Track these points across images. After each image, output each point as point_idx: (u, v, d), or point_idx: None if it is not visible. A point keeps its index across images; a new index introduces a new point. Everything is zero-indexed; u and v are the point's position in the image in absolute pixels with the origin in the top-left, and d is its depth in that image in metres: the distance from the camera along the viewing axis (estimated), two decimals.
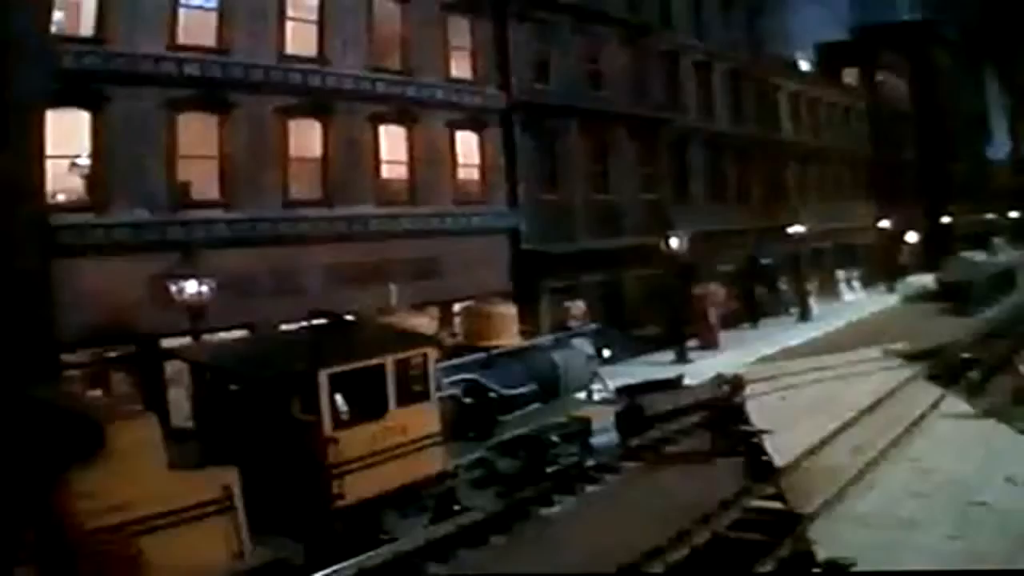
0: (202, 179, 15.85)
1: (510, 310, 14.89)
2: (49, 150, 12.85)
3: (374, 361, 10.21)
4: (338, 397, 9.74)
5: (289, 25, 17.15)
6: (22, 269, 11.81)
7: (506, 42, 21.71)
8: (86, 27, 14.41)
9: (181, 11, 15.43)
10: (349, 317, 11.26)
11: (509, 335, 14.15)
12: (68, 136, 13.94)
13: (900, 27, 51.78)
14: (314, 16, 17.63)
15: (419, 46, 19.63)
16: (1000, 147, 64.19)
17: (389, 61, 19.23)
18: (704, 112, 30.65)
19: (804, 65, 41.97)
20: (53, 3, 13.12)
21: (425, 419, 10.54)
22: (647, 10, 27.20)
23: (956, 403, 16.10)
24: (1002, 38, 59.97)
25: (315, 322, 11.53)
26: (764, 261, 32.00)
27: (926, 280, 35.13)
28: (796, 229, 32.18)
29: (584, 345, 14.44)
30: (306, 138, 17.42)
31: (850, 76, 46.24)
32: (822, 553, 9.02)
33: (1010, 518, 10.29)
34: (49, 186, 13.14)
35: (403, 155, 19.30)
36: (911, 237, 42.42)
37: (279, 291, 16.11)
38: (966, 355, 20.98)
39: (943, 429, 14.40)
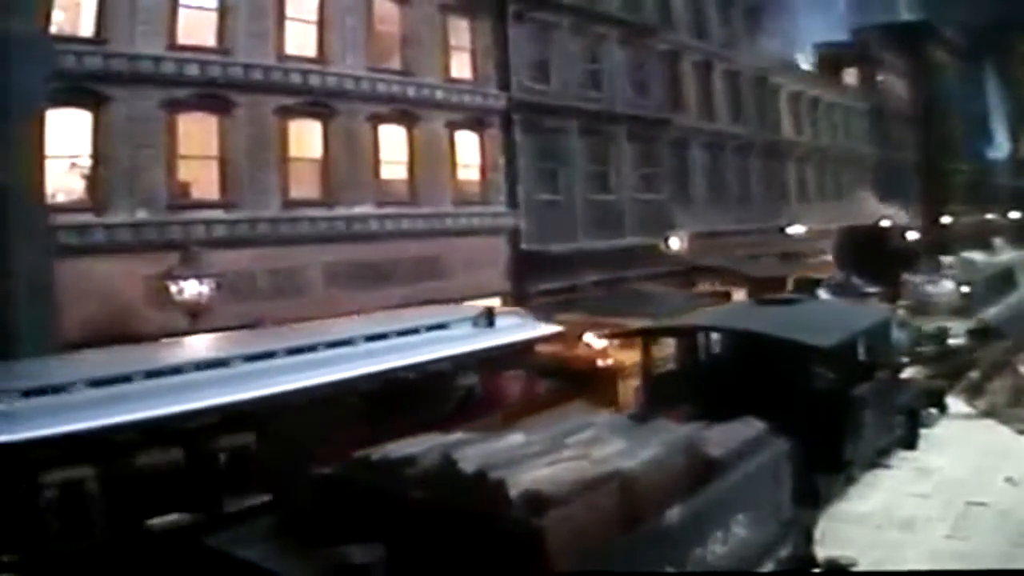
0: (202, 179, 15.86)
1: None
2: (49, 150, 12.84)
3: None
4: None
5: (289, 25, 17.15)
6: (22, 269, 11.80)
7: (506, 42, 21.70)
8: (86, 27, 14.40)
9: (181, 11, 15.41)
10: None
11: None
12: (68, 136, 13.94)
13: (900, 27, 51.77)
14: (314, 16, 17.63)
15: (419, 46, 19.63)
16: (1000, 147, 64.18)
17: (389, 61, 19.23)
18: (704, 112, 30.67)
19: (804, 65, 41.97)
20: (53, 3, 13.12)
21: None
22: (647, 10, 27.23)
23: (956, 403, 16.10)
24: (1002, 38, 59.99)
25: None
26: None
27: None
28: (796, 229, 32.20)
29: None
30: (306, 138, 17.42)
31: (850, 76, 46.27)
32: (822, 553, 9.01)
33: (1010, 518, 10.30)
34: (49, 186, 13.13)
35: (403, 155, 19.29)
36: (911, 237, 42.43)
37: (279, 291, 16.14)
38: (966, 355, 20.95)
39: (943, 429, 14.39)
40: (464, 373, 11.14)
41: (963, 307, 22.75)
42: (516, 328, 12.40)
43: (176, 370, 8.61)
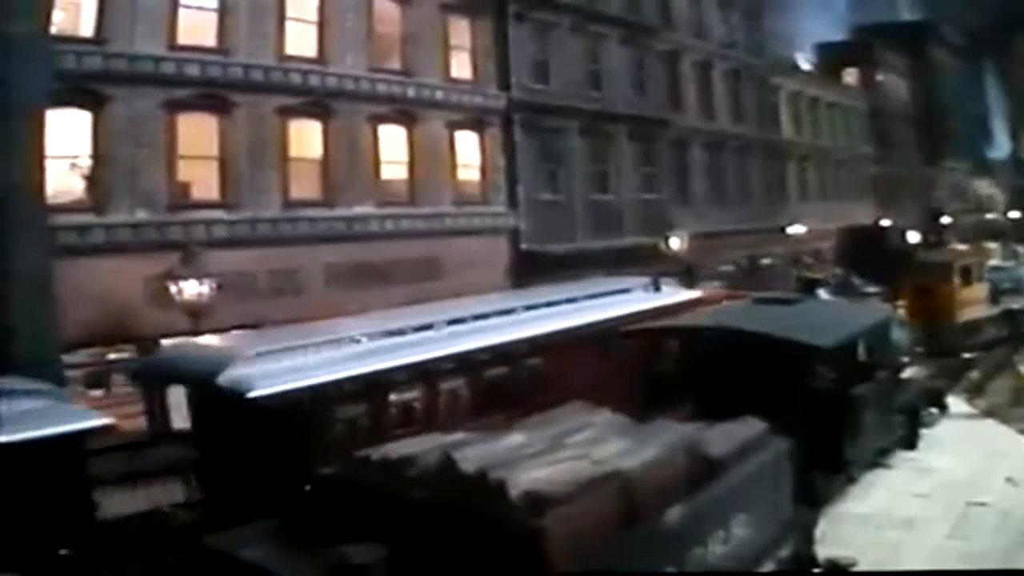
0: (202, 179, 15.86)
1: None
2: (49, 150, 12.84)
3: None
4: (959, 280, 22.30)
5: (289, 25, 17.16)
6: (22, 269, 11.79)
7: (506, 42, 21.71)
8: (86, 27, 14.41)
9: (181, 11, 15.42)
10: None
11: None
12: (68, 136, 13.94)
13: (900, 27, 51.79)
14: (314, 16, 17.64)
15: (419, 46, 19.63)
16: (1000, 147, 64.19)
17: (389, 61, 19.23)
18: (704, 112, 30.67)
19: (804, 65, 41.97)
20: (53, 3, 13.12)
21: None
22: (647, 10, 27.23)
23: (956, 403, 16.10)
24: (1002, 38, 60.01)
25: None
26: (765, 262, 32.04)
27: None
28: (796, 229, 32.19)
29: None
30: (306, 138, 17.42)
31: (850, 76, 46.25)
32: (822, 553, 9.01)
33: (1010, 518, 10.30)
34: (49, 186, 13.12)
35: (403, 155, 19.30)
36: (912, 237, 42.43)
37: (279, 291, 16.14)
38: (966, 355, 20.99)
39: (943, 429, 14.40)
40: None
41: None
42: (675, 293, 16.08)
43: (484, 316, 12.61)
